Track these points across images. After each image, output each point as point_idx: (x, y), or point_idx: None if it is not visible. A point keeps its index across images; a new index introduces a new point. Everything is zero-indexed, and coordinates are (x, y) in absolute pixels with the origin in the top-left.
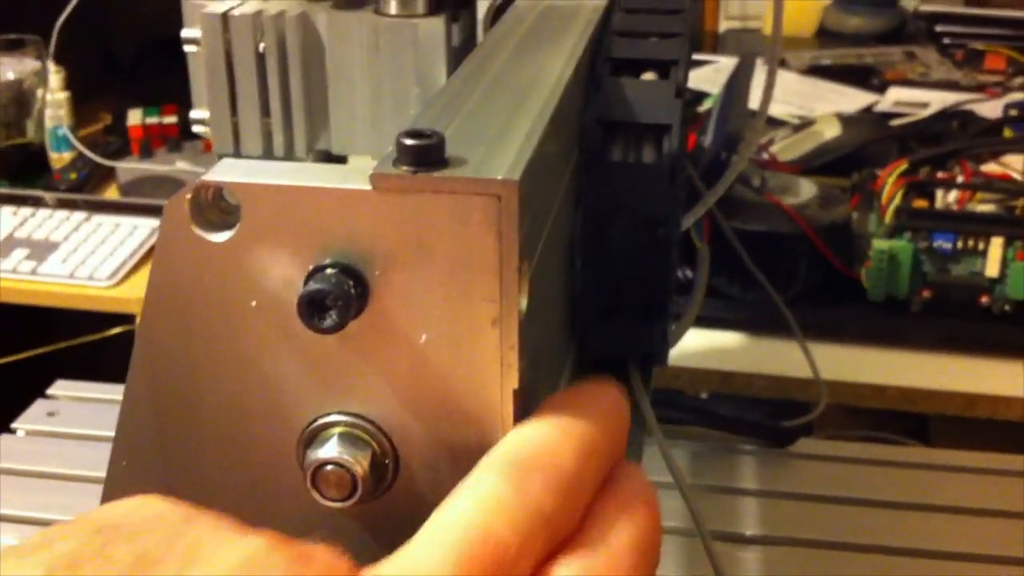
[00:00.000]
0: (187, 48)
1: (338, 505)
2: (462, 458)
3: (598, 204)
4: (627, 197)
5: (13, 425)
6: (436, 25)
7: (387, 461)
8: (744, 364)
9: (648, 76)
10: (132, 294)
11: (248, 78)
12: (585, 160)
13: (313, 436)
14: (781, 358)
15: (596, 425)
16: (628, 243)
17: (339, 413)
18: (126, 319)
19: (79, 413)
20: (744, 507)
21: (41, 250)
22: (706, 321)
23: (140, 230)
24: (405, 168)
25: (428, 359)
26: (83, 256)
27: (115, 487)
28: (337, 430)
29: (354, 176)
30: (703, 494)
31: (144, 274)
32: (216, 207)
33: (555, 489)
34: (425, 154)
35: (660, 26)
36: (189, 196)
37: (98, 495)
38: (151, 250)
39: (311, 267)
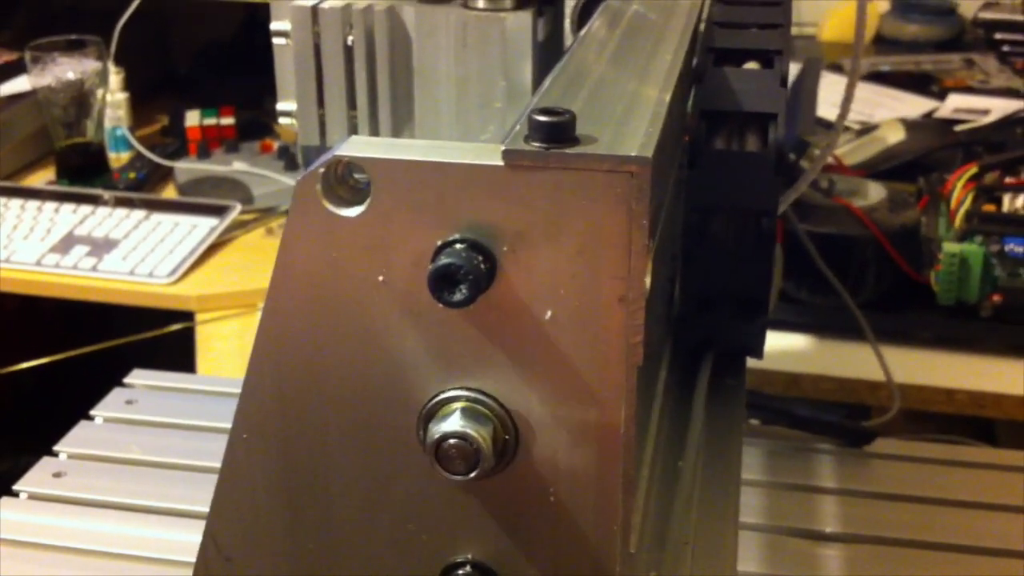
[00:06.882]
0: (276, 41)
1: (459, 479)
2: (581, 435)
3: (701, 194)
4: (731, 187)
5: (92, 412)
6: (524, 19)
7: (507, 437)
8: (811, 366)
9: (751, 66)
10: (191, 291)
11: (336, 71)
12: (689, 150)
13: (434, 412)
14: (848, 361)
15: None
16: (730, 234)
17: (461, 389)
18: (185, 316)
19: (156, 402)
20: (822, 505)
21: (101, 247)
22: (773, 324)
23: (198, 229)
24: (537, 145)
25: (552, 336)
26: (143, 254)
27: (234, 459)
28: (459, 405)
29: (485, 153)
30: (782, 492)
31: (203, 272)
32: (346, 183)
33: None
34: (557, 131)
35: (759, 17)
36: (321, 172)
37: (179, 481)
38: (210, 248)
39: (440, 243)
